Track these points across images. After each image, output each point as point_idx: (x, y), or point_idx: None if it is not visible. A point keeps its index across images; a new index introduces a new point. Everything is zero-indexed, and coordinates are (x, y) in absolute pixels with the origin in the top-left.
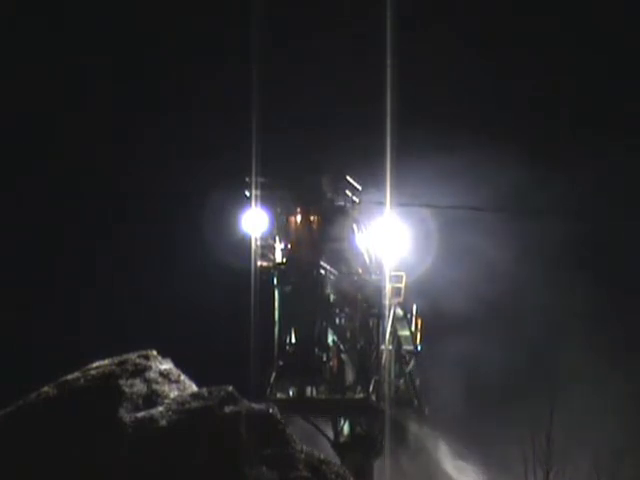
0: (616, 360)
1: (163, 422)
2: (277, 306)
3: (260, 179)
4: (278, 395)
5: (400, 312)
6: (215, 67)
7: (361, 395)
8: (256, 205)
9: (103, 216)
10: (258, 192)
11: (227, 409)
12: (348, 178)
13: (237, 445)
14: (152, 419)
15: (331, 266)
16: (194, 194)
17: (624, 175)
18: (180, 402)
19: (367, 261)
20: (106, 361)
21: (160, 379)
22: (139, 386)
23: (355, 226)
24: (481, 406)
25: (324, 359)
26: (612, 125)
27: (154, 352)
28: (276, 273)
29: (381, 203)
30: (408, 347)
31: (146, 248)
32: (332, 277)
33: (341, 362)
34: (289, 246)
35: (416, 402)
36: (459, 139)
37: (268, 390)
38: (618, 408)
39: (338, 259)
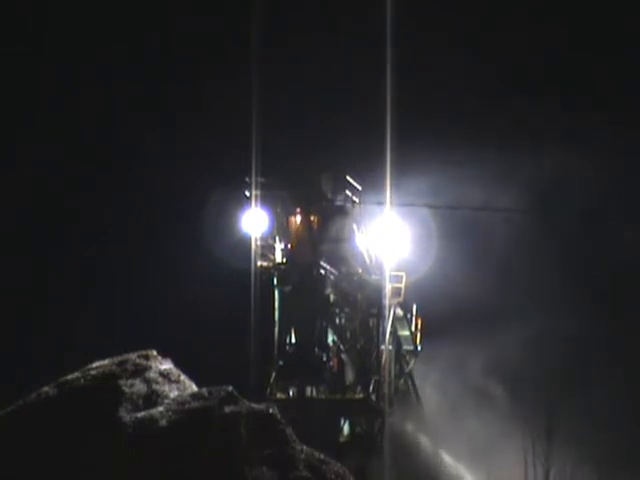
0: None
1: (163, 422)
2: (277, 306)
3: (260, 179)
4: (278, 395)
5: (400, 312)
6: (215, 67)
7: (361, 395)
8: (256, 205)
9: (103, 216)
10: (258, 192)
11: (227, 409)
12: (348, 178)
13: (237, 445)
14: (152, 419)
15: (331, 266)
16: (194, 194)
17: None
18: (180, 402)
19: (367, 261)
20: (106, 361)
21: (160, 379)
22: (139, 386)
23: (355, 226)
24: (480, 406)
25: (324, 359)
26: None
27: (154, 352)
28: (276, 273)
29: (381, 203)
30: (408, 347)
31: (146, 248)
32: (332, 277)
33: (341, 362)
34: (289, 246)
35: (417, 404)
36: (459, 138)
37: (268, 390)
38: None
39: (338, 259)
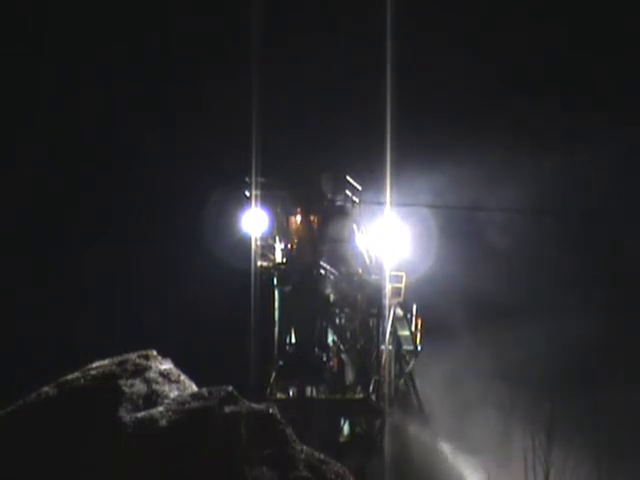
0: None
1: (163, 422)
2: (277, 306)
3: (260, 179)
4: (278, 395)
5: (400, 312)
6: (215, 67)
7: (361, 395)
8: (256, 205)
9: (103, 216)
10: (258, 192)
11: (227, 409)
12: (348, 178)
13: (237, 445)
14: (152, 419)
15: (331, 266)
16: (194, 194)
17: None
18: (180, 402)
19: (367, 261)
20: (106, 361)
21: (160, 379)
22: (139, 386)
23: (355, 226)
24: (481, 405)
25: (324, 359)
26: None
27: (154, 352)
28: (276, 273)
29: (381, 203)
30: (408, 347)
31: (146, 248)
32: (332, 277)
33: (341, 362)
34: (289, 246)
35: (417, 404)
36: (459, 138)
37: (268, 390)
38: None
39: (338, 259)
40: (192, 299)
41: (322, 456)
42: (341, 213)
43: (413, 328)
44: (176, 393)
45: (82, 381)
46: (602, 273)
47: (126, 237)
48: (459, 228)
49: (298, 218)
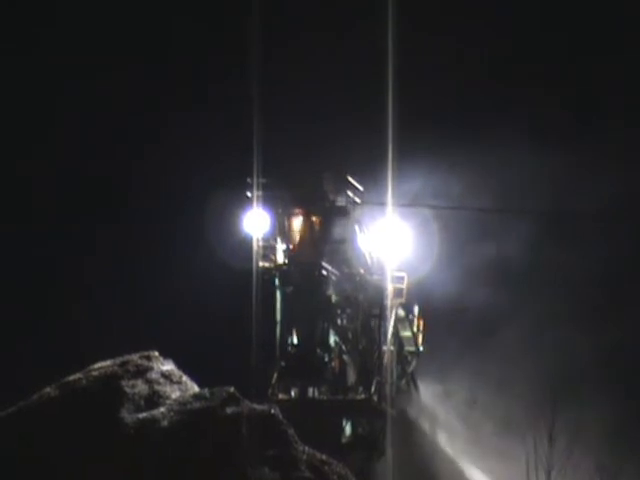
0: None
1: (165, 423)
2: (279, 307)
3: (262, 180)
4: (280, 396)
5: (402, 313)
6: (215, 67)
7: (363, 396)
8: (258, 206)
9: (104, 216)
10: (260, 193)
11: (229, 410)
12: (349, 178)
13: (239, 446)
14: (154, 420)
15: (333, 267)
16: (195, 195)
17: None
18: (182, 403)
19: (369, 262)
20: (108, 362)
21: (162, 380)
22: (141, 387)
23: (357, 227)
24: (482, 406)
25: (326, 360)
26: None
27: (156, 353)
28: (278, 274)
29: (383, 203)
30: (410, 348)
31: (147, 248)
32: (334, 278)
33: (343, 363)
34: (291, 247)
35: (418, 404)
36: (459, 138)
37: (270, 391)
38: None
39: (340, 260)
40: (193, 300)
41: (324, 457)
42: (343, 214)
43: (415, 329)
44: (178, 394)
45: (84, 382)
46: (602, 273)
47: (127, 237)
48: (459, 228)
49: (300, 219)
